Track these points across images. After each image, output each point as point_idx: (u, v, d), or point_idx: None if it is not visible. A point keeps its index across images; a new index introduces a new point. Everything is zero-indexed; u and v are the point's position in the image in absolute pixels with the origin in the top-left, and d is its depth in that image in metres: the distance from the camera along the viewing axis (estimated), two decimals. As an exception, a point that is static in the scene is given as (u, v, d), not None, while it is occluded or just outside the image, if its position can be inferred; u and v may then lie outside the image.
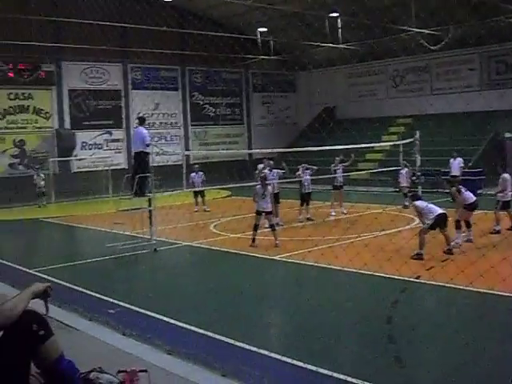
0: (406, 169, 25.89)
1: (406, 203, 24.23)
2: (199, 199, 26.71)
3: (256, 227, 17.51)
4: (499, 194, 18.32)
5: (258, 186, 18.12)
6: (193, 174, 26.98)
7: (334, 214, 23.62)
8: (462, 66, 38.84)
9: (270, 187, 18.36)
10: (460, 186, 17.07)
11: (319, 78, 45.28)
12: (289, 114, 48.75)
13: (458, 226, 16.30)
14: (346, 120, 42.81)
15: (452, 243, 15.54)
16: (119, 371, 5.90)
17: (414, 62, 40.57)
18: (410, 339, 9.47)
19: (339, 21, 35.78)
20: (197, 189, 25.99)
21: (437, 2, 30.19)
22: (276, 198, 21.62)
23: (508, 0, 28.34)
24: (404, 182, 25.73)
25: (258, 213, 17.75)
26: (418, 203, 15.48)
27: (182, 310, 11.21)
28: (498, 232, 17.81)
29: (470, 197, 16.71)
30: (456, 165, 27.95)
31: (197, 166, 27.73)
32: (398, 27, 33.18)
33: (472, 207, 16.64)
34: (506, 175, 18.43)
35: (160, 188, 18.77)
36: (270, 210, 17.91)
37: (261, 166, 24.43)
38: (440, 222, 14.89)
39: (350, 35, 36.53)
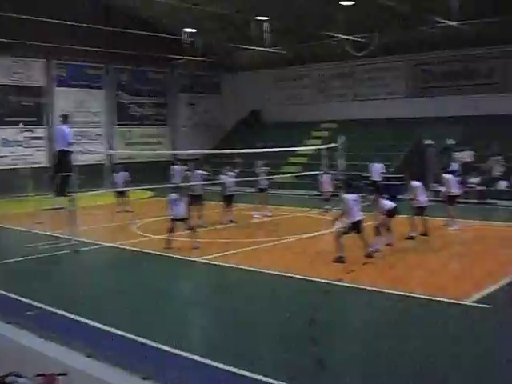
0: (327, 174, 25.89)
1: (327, 207, 24.58)
2: (121, 199, 26.29)
3: (172, 230, 17.19)
4: (411, 201, 18.75)
5: (171, 194, 17.66)
6: (115, 174, 26.65)
7: (257, 216, 23.71)
8: (387, 73, 39.53)
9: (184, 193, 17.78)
10: (379, 194, 17.43)
11: (245, 81, 45.39)
12: (214, 116, 48.63)
13: (377, 232, 16.58)
14: (271, 123, 43.18)
15: (371, 248, 15.87)
16: (37, 375, 5.75)
17: (339, 67, 41.07)
18: (332, 341, 9.59)
19: (267, 24, 35.97)
20: (119, 189, 25.63)
21: (363, 10, 30.68)
22: (199, 199, 21.64)
23: (433, 11, 29.05)
24: (328, 186, 25.55)
25: (174, 220, 17.31)
26: (350, 197, 15.59)
27: (102, 311, 11.05)
28: (412, 238, 18.15)
29: (389, 204, 17.05)
30: (376, 170, 28.41)
31: (120, 165, 27.26)
32: (325, 33, 33.60)
33: (391, 214, 16.95)
34: (414, 182, 18.87)
35: (82, 187, 18.46)
36: (186, 217, 17.37)
37: (176, 167, 24.67)
38: (354, 227, 15.14)
39: (277, 39, 36.78)
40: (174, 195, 17.52)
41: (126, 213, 25.39)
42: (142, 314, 10.71)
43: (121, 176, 26.56)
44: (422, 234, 18.27)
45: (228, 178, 23.09)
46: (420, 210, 18.43)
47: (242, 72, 44.86)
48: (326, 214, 24.03)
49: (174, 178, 26.65)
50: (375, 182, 27.61)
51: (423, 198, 18.56)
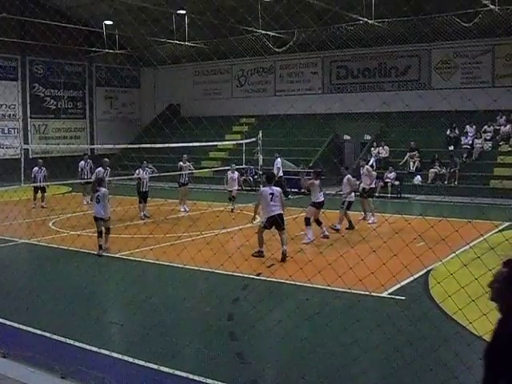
0: (236, 173, 25.51)
1: (230, 206, 24.36)
2: (39, 195, 25.73)
3: (100, 234, 16.53)
4: (348, 195, 19.22)
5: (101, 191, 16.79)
6: (35, 169, 25.93)
7: (182, 210, 23.78)
8: (305, 69, 40.03)
9: (103, 189, 16.76)
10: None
11: (164, 75, 45.15)
12: (132, 110, 48.21)
13: (307, 223, 17.03)
14: (190, 118, 42.96)
15: (305, 240, 16.27)
16: None
17: (259, 62, 41.30)
18: (251, 335, 9.64)
19: (186, 18, 35.81)
20: (38, 184, 24.99)
21: (282, 6, 30.89)
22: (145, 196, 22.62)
23: (350, 8, 29.51)
24: (233, 184, 24.97)
25: (96, 219, 16.57)
26: (266, 190, 15.68)
27: (17, 310, 10.78)
28: (337, 230, 18.63)
29: (320, 195, 17.53)
30: (275, 165, 28.61)
31: (40, 160, 26.50)
32: (245, 28, 33.69)
33: (320, 205, 17.46)
34: (350, 176, 19.55)
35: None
36: (105, 215, 16.59)
37: (82, 163, 24.55)
38: (273, 222, 15.24)
39: (196, 33, 36.63)
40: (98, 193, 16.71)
41: (41, 208, 24.90)
42: (59, 312, 10.50)
43: (41, 171, 25.87)
44: (346, 228, 18.95)
45: (144, 173, 22.87)
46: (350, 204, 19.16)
47: (161, 66, 44.52)
48: (232, 212, 23.89)
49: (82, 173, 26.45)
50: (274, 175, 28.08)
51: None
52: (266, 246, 15.08)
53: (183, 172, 24.68)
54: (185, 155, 25.68)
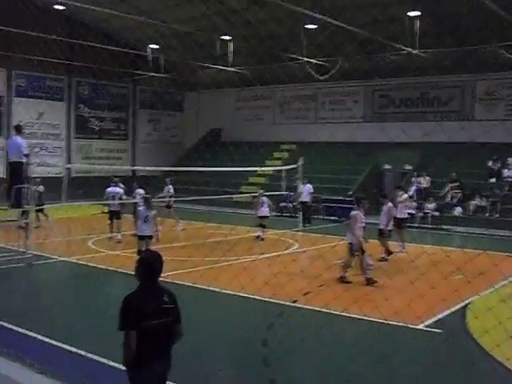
0: (265, 198, 24.30)
1: (260, 234, 23.25)
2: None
3: (140, 253, 16.65)
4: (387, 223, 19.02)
5: (140, 209, 17.03)
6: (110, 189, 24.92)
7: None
8: (347, 97, 40.05)
9: (154, 211, 16.77)
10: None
11: (207, 100, 45.54)
12: (175, 133, 48.64)
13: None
14: (231, 143, 43.22)
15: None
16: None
17: (301, 89, 41.41)
18: (285, 362, 9.61)
19: (230, 44, 36.17)
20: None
21: (326, 34, 31.05)
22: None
23: (394, 39, 29.54)
24: (264, 211, 23.87)
25: (140, 237, 16.53)
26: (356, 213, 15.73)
27: (54, 327, 10.90)
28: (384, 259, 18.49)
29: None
30: (305, 191, 28.41)
31: (117, 179, 24.38)
32: (288, 55, 33.92)
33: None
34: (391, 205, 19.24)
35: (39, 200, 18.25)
36: (151, 234, 16.51)
37: (109, 189, 23.67)
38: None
39: (240, 59, 36.99)
40: (144, 210, 16.70)
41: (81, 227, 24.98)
42: (94, 332, 10.60)
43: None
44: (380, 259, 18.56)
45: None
46: (380, 233, 18.81)
47: (205, 90, 44.96)
48: (257, 240, 22.94)
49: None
50: (304, 202, 27.95)
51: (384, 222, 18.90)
52: (303, 273, 15.03)
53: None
54: (167, 179, 26.35)
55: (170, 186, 26.65)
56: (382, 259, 18.44)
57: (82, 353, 9.31)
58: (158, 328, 5.76)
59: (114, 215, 22.78)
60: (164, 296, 6.06)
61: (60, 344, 9.78)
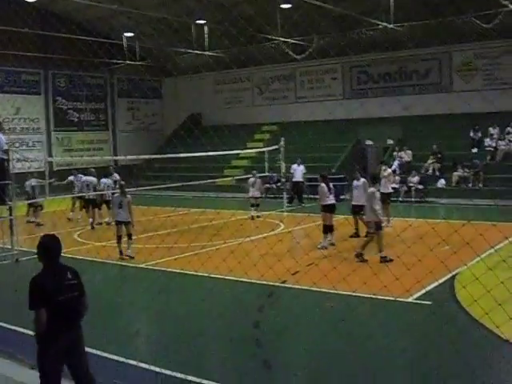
0: (258, 179, 25.59)
1: (253, 214, 24.41)
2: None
3: (119, 238, 16.99)
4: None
5: (115, 196, 17.53)
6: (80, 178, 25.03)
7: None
8: (325, 75, 40.00)
9: (128, 196, 17.24)
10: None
11: (185, 85, 45.35)
12: (154, 121, 48.44)
13: (324, 230, 16.89)
14: (212, 127, 43.10)
15: (319, 246, 16.23)
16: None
17: (279, 70, 41.32)
18: (278, 343, 9.65)
19: (205, 28, 35.97)
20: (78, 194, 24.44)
21: (300, 13, 30.93)
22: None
23: (369, 14, 29.47)
24: (256, 191, 25.25)
25: (117, 223, 17.09)
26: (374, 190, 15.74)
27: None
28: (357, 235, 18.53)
29: (329, 199, 17.30)
30: (299, 171, 28.59)
31: (92, 169, 25.10)
32: (264, 36, 33.79)
33: (329, 208, 17.20)
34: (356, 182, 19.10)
35: (21, 196, 18.14)
36: (128, 219, 16.96)
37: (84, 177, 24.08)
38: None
39: (216, 43, 36.80)
40: (117, 197, 17.29)
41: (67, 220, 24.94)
42: (85, 323, 10.57)
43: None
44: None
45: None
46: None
47: (182, 76, 44.71)
48: (255, 218, 24.04)
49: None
50: (297, 182, 28.07)
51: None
52: (290, 253, 15.05)
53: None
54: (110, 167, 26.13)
55: (116, 175, 25.03)
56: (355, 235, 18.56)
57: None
58: (65, 303, 6.29)
59: (90, 203, 23.61)
60: (67, 273, 6.52)
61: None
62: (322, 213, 17.35)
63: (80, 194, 23.85)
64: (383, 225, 17.38)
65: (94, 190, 23.52)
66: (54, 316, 6.20)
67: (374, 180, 16.34)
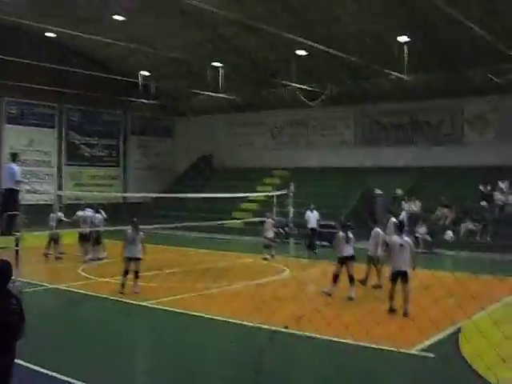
0: (271, 220, 25.66)
1: (267, 256, 24.47)
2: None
3: (126, 273, 17.07)
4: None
5: (128, 231, 17.44)
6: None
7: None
8: (338, 122, 40.13)
9: (141, 233, 17.39)
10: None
11: (198, 126, 45.59)
12: (165, 160, 48.61)
13: (334, 279, 16.35)
14: (222, 168, 43.28)
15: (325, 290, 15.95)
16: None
17: (291, 115, 41.50)
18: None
19: (221, 71, 36.32)
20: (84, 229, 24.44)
21: (315, 60, 31.28)
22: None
23: (383, 64, 29.72)
24: (269, 232, 25.22)
25: (128, 259, 17.07)
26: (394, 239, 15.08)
27: (44, 355, 10.79)
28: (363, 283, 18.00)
29: (347, 249, 16.53)
30: (313, 217, 28.38)
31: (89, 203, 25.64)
32: (278, 81, 34.10)
33: (346, 260, 16.55)
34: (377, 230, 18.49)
35: (29, 227, 18.15)
36: (139, 256, 17.00)
37: (80, 213, 24.36)
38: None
39: (230, 85, 37.13)
40: (131, 233, 17.25)
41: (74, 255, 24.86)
42: (84, 359, 10.49)
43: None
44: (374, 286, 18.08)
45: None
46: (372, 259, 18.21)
47: (195, 117, 45.04)
48: (268, 260, 24.02)
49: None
50: (313, 229, 27.85)
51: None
52: (294, 299, 14.94)
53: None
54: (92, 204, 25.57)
55: (98, 215, 24.47)
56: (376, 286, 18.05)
57: (72, 381, 9.21)
58: (5, 325, 6.51)
59: (83, 239, 23.84)
60: (12, 299, 6.74)
61: (49, 372, 9.66)
62: (337, 264, 16.54)
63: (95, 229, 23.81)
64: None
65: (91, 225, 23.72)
66: None
67: (401, 229, 15.71)
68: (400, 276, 14.16)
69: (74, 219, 24.61)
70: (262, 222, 26.22)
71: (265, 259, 24.24)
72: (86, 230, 23.45)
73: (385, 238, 17.88)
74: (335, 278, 16.34)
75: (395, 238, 14.63)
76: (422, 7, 26.99)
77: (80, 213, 24.43)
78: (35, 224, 19.21)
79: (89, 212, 24.38)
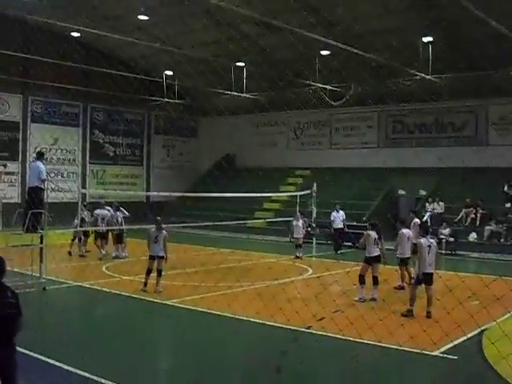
0: (301, 220, 25.96)
1: (298, 254, 24.77)
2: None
3: (149, 272, 17.16)
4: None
5: (151, 230, 17.53)
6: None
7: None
8: (361, 123, 40.02)
9: (165, 232, 17.41)
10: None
11: (221, 125, 45.64)
12: (189, 159, 48.77)
13: (360, 281, 16.13)
14: (245, 168, 43.29)
15: (356, 297, 15.73)
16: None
17: (315, 115, 41.44)
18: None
19: (245, 70, 36.34)
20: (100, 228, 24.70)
21: (339, 60, 31.17)
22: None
23: (407, 64, 29.58)
24: (299, 233, 25.52)
25: (151, 257, 17.15)
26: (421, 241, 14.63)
27: (64, 351, 10.87)
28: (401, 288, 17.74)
29: (374, 250, 16.41)
30: (339, 218, 28.35)
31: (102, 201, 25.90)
32: (302, 81, 34.04)
33: (374, 260, 16.34)
34: (405, 231, 18.17)
35: (53, 225, 18.31)
36: (162, 254, 17.09)
37: (98, 211, 24.51)
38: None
39: (254, 85, 37.15)
40: (153, 231, 17.35)
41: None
42: (106, 356, 10.56)
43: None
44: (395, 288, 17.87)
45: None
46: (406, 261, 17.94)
47: (219, 116, 45.09)
48: (296, 260, 24.16)
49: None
50: (338, 229, 27.85)
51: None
52: (317, 299, 14.92)
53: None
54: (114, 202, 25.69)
55: (118, 214, 24.99)
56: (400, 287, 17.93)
57: (95, 378, 9.27)
58: (2, 318, 6.50)
59: (99, 236, 24.20)
60: (7, 292, 6.72)
61: (73, 369, 9.73)
62: (364, 263, 16.44)
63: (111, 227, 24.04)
64: (413, 276, 16.54)
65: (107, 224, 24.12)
66: None
67: (426, 231, 15.53)
68: (426, 278, 14.07)
69: (94, 218, 24.79)
70: (287, 222, 26.28)
71: (297, 257, 24.60)
72: (103, 227, 23.72)
73: (412, 239, 17.66)
74: (361, 278, 16.24)
75: (423, 240, 14.49)
76: (447, 7, 26.82)
77: (98, 211, 24.62)
78: (59, 222, 19.37)
79: (105, 210, 24.68)
